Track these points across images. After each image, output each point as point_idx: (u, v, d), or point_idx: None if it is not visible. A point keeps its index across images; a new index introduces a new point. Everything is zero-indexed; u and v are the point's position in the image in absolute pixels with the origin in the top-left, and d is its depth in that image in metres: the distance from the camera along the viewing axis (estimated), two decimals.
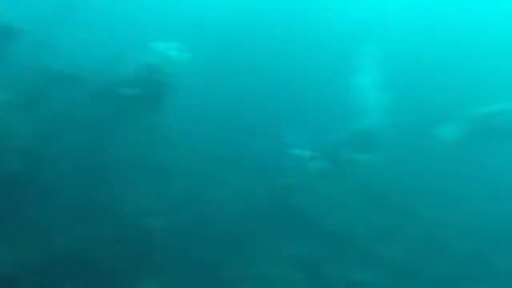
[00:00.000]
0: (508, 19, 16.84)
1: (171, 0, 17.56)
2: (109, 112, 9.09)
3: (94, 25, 15.16)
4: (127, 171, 8.75)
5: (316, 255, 8.15)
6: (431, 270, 8.43)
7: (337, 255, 8.28)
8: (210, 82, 12.90)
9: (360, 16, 16.18)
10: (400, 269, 8.22)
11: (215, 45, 14.43)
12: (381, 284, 7.82)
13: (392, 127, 11.09)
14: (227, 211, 8.62)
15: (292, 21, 15.62)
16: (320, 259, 8.07)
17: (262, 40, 14.98)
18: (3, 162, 7.25)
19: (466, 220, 10.03)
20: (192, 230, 7.94)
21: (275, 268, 7.63)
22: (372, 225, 9.13)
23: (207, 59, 13.15)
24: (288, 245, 8.40)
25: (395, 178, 10.78)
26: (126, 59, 10.27)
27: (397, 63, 12.98)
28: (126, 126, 9.39)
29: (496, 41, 15.94)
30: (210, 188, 9.29)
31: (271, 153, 11.07)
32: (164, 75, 9.29)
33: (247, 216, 8.68)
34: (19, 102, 7.91)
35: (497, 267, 8.92)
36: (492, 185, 11.28)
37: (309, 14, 16.18)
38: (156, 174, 9.14)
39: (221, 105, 12.47)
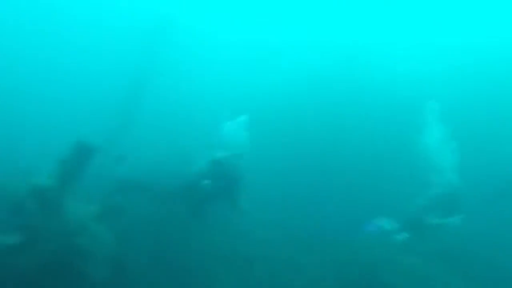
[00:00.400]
0: None
1: (225, 79, 18.68)
2: (185, 210, 9.65)
3: (159, 125, 16.50)
4: (209, 264, 9.12)
5: None
6: None
7: None
8: (277, 161, 13.30)
9: (419, 74, 16.19)
10: None
11: (279, 122, 15.02)
12: None
13: (473, 185, 10.80)
14: None
15: (353, 90, 15.91)
16: None
17: (326, 112, 15.32)
18: (92, 270, 7.84)
19: None
20: None
21: None
22: None
23: (272, 138, 13.73)
24: None
25: (483, 240, 10.31)
26: (194, 155, 10.98)
27: (464, 117, 12.80)
28: (203, 220, 9.86)
29: None
30: (292, 272, 9.38)
31: (351, 229, 11.07)
32: (233, 165, 9.78)
33: None
34: (102, 212, 8.70)
35: None
36: None
37: (370, 79, 16.41)
38: (237, 263, 9.43)
39: (292, 184, 12.74)
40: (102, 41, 20.57)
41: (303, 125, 14.93)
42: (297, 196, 12.33)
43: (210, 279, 8.85)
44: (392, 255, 9.88)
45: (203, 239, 9.68)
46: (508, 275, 9.42)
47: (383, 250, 10.16)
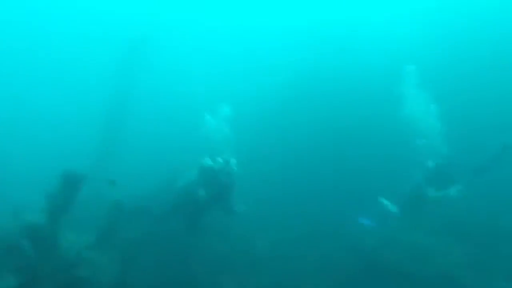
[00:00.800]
0: None
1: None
2: (181, 224, 9.71)
3: (143, 142, 16.52)
4: (215, 272, 9.28)
5: None
6: None
7: None
8: (262, 152, 13.23)
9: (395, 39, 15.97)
10: None
11: (264, 113, 15.04)
12: None
13: (465, 153, 10.84)
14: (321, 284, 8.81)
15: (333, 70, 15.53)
16: None
17: (309, 100, 14.96)
18: None
19: None
20: None
21: None
22: (471, 263, 8.87)
23: (257, 129, 13.70)
24: None
25: (483, 210, 10.38)
26: (183, 165, 10.98)
27: (446, 82, 12.70)
28: (201, 232, 9.92)
29: None
30: (297, 267, 9.59)
31: (351, 216, 11.17)
32: (222, 170, 9.76)
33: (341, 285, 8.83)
34: (98, 240, 8.78)
35: None
36: None
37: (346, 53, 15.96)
38: (243, 266, 9.61)
39: (282, 176, 12.78)
40: (82, 66, 20.61)
41: (285, 112, 14.81)
42: (289, 188, 12.35)
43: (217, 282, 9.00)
44: (394, 235, 10.05)
45: (204, 249, 9.79)
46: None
47: (385, 231, 10.32)
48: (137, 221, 9.71)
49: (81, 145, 15.89)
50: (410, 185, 10.90)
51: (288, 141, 13.91)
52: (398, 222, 10.65)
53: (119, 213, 9.28)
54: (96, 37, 21.18)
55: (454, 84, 13.24)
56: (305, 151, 13.54)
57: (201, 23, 21.68)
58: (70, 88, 20.05)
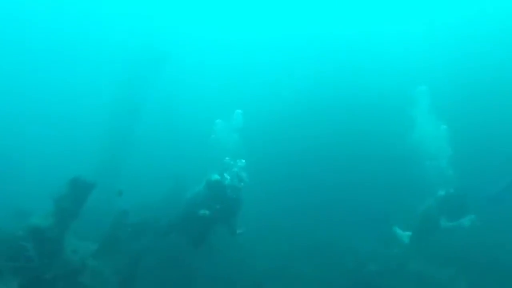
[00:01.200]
0: None
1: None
2: (188, 235, 9.85)
3: (154, 152, 16.77)
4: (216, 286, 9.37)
5: None
6: None
7: None
8: (270, 163, 13.40)
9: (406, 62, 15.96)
10: None
11: (273, 124, 15.25)
12: None
13: (478, 181, 10.82)
14: None
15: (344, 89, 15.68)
16: None
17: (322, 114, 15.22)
18: None
19: None
20: None
21: None
22: None
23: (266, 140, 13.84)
24: None
25: (493, 241, 10.33)
26: (191, 179, 11.16)
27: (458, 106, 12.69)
28: (204, 247, 10.03)
29: None
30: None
31: (358, 237, 11.22)
32: (229, 186, 9.86)
33: None
34: (102, 249, 8.99)
35: None
36: None
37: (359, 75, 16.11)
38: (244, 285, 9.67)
39: (290, 192, 12.89)
40: (92, 77, 21.06)
41: (294, 131, 14.94)
42: (296, 207, 12.45)
43: None
44: (399, 262, 10.07)
45: (208, 266, 9.92)
46: None
47: (391, 257, 10.34)
48: (143, 232, 9.88)
49: (91, 151, 16.22)
50: (420, 211, 10.93)
51: (297, 160, 14.00)
52: (405, 249, 10.69)
53: (125, 223, 9.48)
54: (108, 45, 21.65)
55: (466, 109, 13.26)
56: (313, 171, 13.62)
57: (215, 36, 22.01)
58: (81, 94, 20.49)
